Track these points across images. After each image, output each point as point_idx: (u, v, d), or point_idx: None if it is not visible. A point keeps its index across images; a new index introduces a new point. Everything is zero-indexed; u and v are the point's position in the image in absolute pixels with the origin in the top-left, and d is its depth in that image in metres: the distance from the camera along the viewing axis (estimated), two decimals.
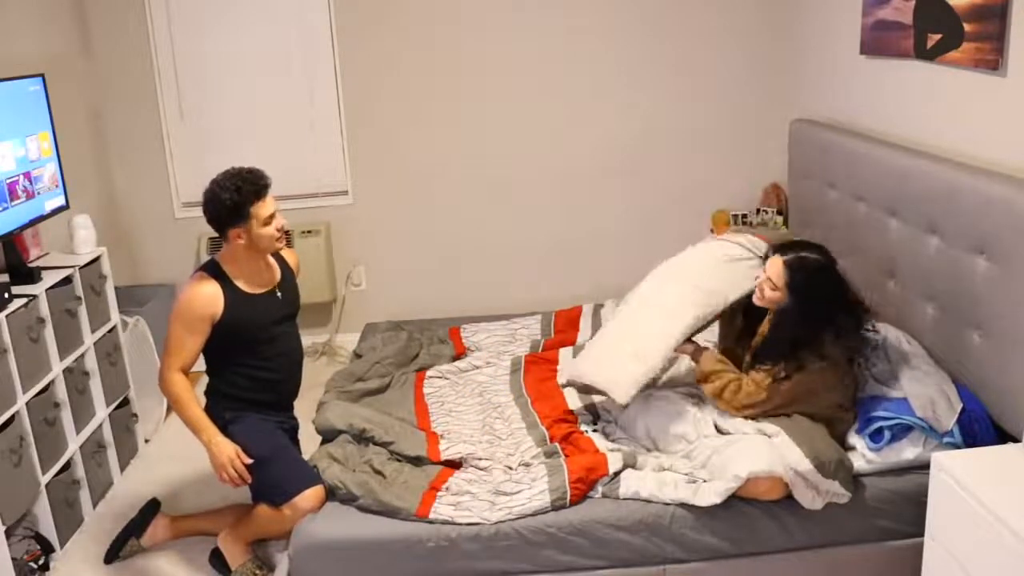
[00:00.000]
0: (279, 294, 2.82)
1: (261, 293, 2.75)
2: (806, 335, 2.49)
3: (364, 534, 2.43)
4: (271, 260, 2.84)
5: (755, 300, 2.62)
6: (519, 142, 4.29)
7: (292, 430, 2.90)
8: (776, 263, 2.54)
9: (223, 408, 2.73)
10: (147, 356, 3.77)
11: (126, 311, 3.69)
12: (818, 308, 2.49)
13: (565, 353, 3.45)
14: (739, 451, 2.43)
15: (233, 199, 2.58)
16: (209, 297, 2.63)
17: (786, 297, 2.52)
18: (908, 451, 2.46)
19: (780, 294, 2.53)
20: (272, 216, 2.67)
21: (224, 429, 2.69)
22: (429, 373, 3.37)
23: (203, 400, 2.80)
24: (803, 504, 2.40)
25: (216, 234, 2.71)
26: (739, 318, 2.83)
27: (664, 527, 2.41)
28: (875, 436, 2.49)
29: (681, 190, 4.35)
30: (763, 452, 2.39)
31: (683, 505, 2.43)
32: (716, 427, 2.64)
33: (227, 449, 2.61)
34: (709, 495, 2.39)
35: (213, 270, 2.69)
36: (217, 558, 2.78)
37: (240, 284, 2.70)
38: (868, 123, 3.36)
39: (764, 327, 2.70)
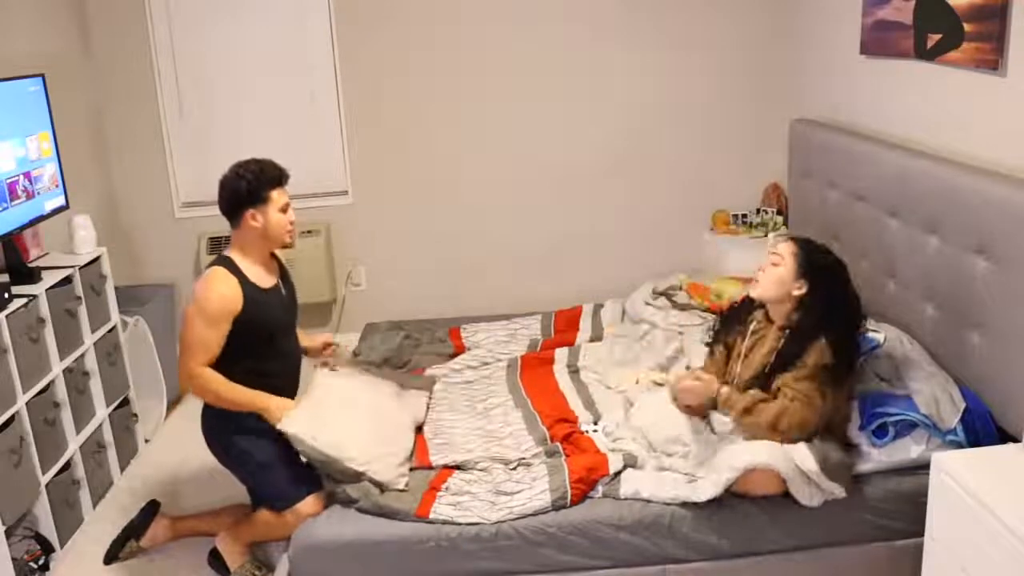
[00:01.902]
0: (283, 291, 2.81)
1: (270, 288, 2.74)
2: (829, 320, 2.43)
3: (364, 534, 2.43)
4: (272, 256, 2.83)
5: (752, 288, 2.59)
6: (519, 142, 4.29)
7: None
8: (785, 243, 2.55)
9: (220, 410, 2.70)
10: (147, 356, 3.77)
11: (126, 311, 3.69)
12: (836, 289, 2.47)
13: (561, 353, 3.45)
14: (740, 445, 2.44)
15: (254, 181, 2.60)
16: (231, 290, 2.60)
17: (797, 277, 2.49)
18: (912, 449, 2.45)
19: (784, 269, 2.50)
20: (287, 206, 2.69)
21: (226, 434, 2.69)
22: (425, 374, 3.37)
23: (198, 401, 2.78)
24: (800, 500, 2.39)
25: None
26: (720, 348, 2.76)
27: (664, 527, 2.41)
28: (879, 433, 2.48)
29: (681, 190, 4.35)
30: (764, 445, 2.40)
31: (683, 505, 2.42)
32: (711, 428, 2.64)
33: (287, 405, 2.65)
34: (707, 488, 2.39)
35: (228, 264, 2.66)
36: (216, 559, 2.78)
37: (252, 278, 2.67)
38: (868, 123, 3.36)
39: (754, 356, 2.62)
